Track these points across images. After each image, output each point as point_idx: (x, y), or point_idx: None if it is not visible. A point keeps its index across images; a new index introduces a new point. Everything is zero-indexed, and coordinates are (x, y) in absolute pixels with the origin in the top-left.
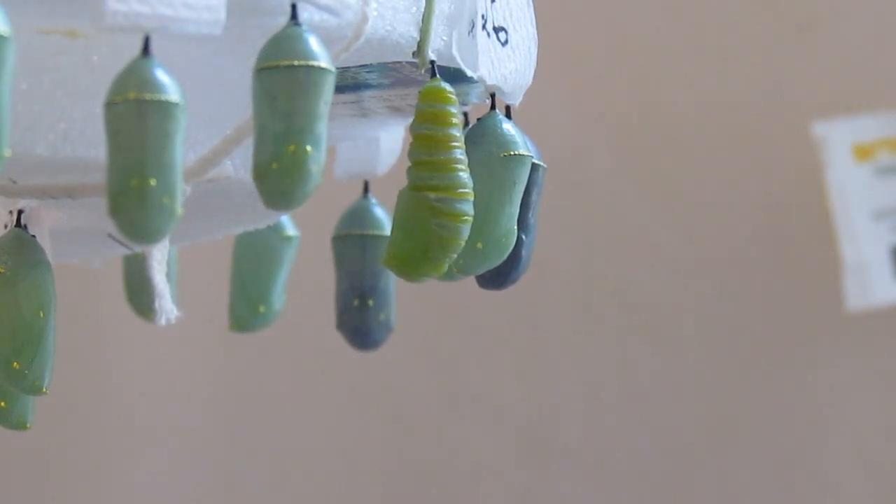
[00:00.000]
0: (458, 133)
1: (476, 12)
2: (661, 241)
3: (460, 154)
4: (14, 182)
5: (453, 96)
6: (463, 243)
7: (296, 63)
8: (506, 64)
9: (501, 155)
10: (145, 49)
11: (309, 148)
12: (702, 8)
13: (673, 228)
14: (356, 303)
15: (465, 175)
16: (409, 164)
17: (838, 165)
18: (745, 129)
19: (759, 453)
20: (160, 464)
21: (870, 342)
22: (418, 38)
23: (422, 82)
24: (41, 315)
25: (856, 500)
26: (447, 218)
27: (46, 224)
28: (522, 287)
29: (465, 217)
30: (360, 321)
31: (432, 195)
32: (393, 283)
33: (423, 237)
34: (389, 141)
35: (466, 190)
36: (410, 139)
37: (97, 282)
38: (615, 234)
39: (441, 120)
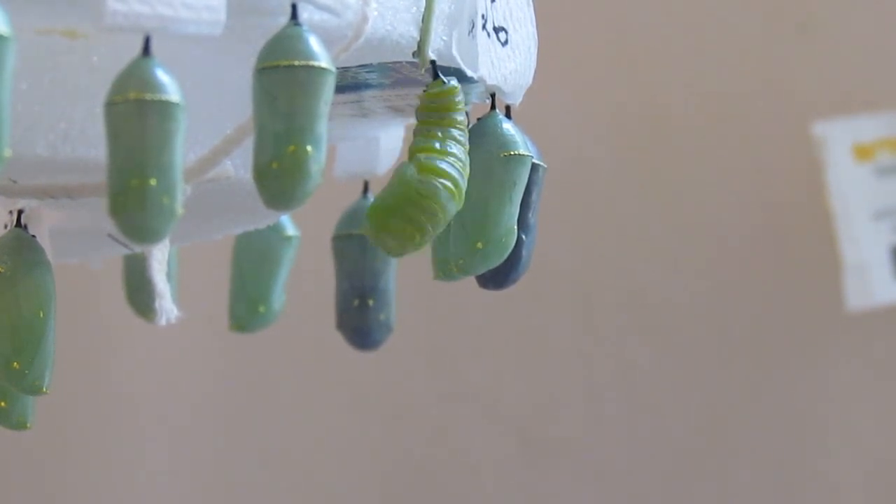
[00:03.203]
0: (462, 118)
1: (476, 12)
2: (660, 240)
3: (461, 136)
4: (14, 182)
5: (460, 90)
6: (442, 215)
7: (296, 63)
8: (506, 64)
9: (501, 155)
10: (145, 49)
11: (309, 148)
12: (702, 8)
13: (673, 228)
14: (356, 303)
15: (458, 149)
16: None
17: (838, 165)
18: (745, 130)
19: (759, 453)
20: (160, 463)
21: (870, 342)
22: (418, 38)
23: (422, 82)
24: (41, 315)
25: (856, 500)
26: (429, 174)
27: (46, 224)
28: (522, 287)
29: (448, 175)
30: (360, 321)
31: (422, 156)
32: (393, 283)
33: (401, 191)
34: (389, 141)
35: (455, 159)
36: (415, 123)
37: (97, 282)
38: (615, 234)
39: (447, 105)
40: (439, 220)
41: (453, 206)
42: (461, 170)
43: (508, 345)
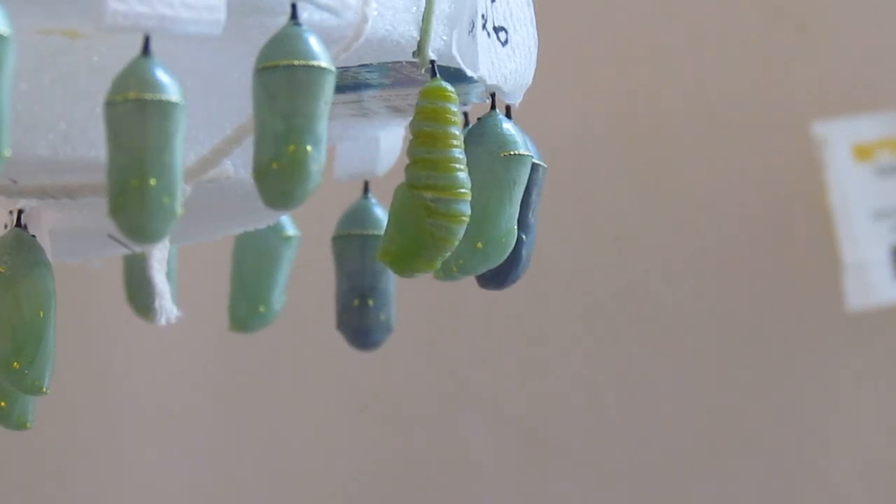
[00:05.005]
0: (457, 131)
1: (476, 12)
2: (660, 240)
3: (459, 153)
4: (14, 182)
5: (454, 95)
6: (457, 242)
7: (296, 63)
8: (506, 64)
9: (501, 155)
10: (145, 49)
11: (309, 148)
12: (702, 8)
13: (673, 228)
14: (356, 303)
15: (462, 175)
16: (407, 161)
17: (838, 165)
18: (745, 130)
19: (759, 453)
20: (160, 463)
21: (870, 342)
22: (418, 38)
23: (422, 82)
24: (41, 315)
25: (856, 500)
26: (442, 218)
27: (46, 224)
28: (523, 287)
29: (461, 217)
30: (360, 321)
31: (428, 195)
32: (393, 284)
33: (417, 235)
34: (389, 141)
35: (464, 190)
36: (410, 137)
37: (97, 282)
38: (615, 234)
39: (441, 118)
40: (455, 244)
41: (465, 227)
42: (469, 190)
43: (508, 345)
